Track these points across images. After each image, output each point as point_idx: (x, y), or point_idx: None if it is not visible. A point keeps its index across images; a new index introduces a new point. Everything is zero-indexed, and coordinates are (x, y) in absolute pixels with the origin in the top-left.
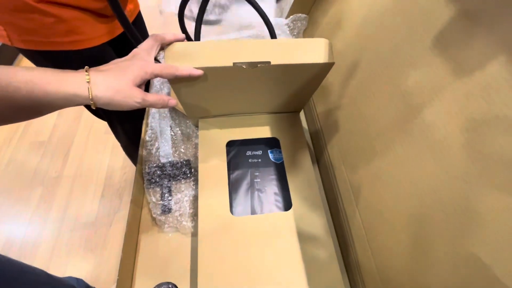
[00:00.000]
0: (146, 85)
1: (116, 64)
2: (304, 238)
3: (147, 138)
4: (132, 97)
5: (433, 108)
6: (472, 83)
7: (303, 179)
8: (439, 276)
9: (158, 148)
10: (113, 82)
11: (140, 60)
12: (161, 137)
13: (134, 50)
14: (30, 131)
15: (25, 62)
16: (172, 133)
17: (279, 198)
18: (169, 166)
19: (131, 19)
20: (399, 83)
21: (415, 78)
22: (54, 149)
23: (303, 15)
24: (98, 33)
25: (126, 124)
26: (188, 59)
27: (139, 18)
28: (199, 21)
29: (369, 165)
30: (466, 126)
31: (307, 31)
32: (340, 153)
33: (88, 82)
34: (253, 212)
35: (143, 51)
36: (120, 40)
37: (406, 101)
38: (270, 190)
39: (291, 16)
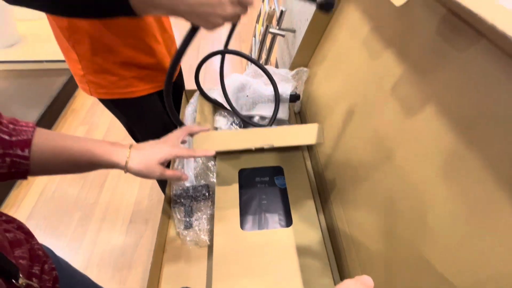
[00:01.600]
0: None
1: (151, 145)
2: (302, 250)
3: (175, 167)
4: (155, 172)
5: (394, 140)
6: (418, 119)
7: (302, 201)
8: (403, 278)
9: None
10: (144, 159)
11: (168, 146)
12: (187, 165)
13: (167, 136)
14: None
15: (80, 94)
16: (195, 163)
17: (282, 217)
18: (192, 189)
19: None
20: (371, 122)
21: (382, 117)
22: (92, 180)
23: (305, 69)
24: (147, 86)
25: None
26: (209, 143)
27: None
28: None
29: (356, 191)
30: (416, 152)
31: (308, 80)
32: (335, 183)
33: (127, 157)
34: (260, 228)
35: (173, 138)
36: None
37: (377, 137)
38: (275, 210)
39: (295, 69)
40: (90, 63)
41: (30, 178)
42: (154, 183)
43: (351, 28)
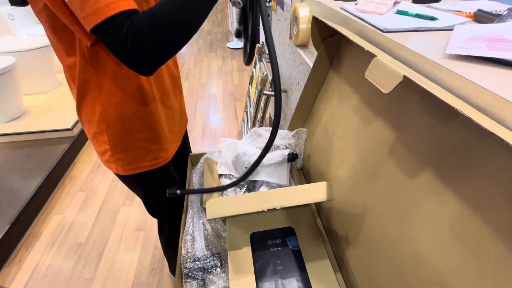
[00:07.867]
0: None
1: None
2: None
3: (184, 235)
4: None
5: (402, 201)
6: (420, 181)
7: (318, 262)
8: None
9: (193, 244)
10: None
11: None
12: (196, 233)
13: None
14: (71, 233)
15: (80, 161)
16: (205, 230)
17: (300, 284)
18: (203, 259)
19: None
20: (375, 181)
21: (385, 177)
22: (90, 250)
23: (304, 129)
24: (167, 154)
25: (173, 220)
26: (222, 208)
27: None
28: None
29: (372, 249)
30: (425, 213)
31: (307, 139)
32: (348, 240)
33: None
34: None
35: None
36: (176, 156)
37: (385, 196)
38: (292, 276)
39: (295, 130)
40: (120, 142)
41: (22, 254)
42: (155, 250)
43: (341, 95)
